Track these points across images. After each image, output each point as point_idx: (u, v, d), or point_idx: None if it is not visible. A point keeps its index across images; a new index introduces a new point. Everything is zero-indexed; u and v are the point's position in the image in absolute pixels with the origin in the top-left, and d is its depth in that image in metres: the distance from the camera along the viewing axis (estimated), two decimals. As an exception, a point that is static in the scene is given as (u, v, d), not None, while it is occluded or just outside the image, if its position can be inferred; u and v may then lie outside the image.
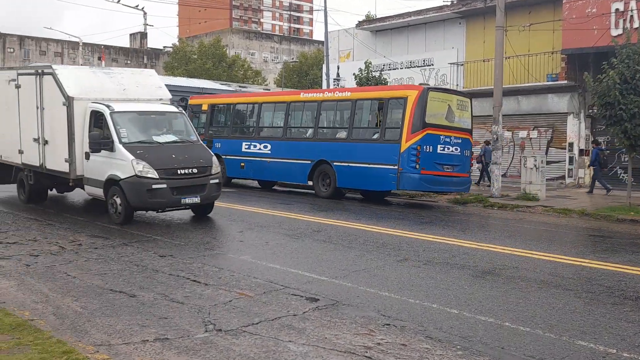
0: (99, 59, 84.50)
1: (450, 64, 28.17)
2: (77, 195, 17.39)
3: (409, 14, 30.16)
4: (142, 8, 44.36)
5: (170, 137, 13.10)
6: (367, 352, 5.44)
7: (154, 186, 11.90)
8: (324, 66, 34.09)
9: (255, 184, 22.97)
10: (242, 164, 21.20)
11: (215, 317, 6.37)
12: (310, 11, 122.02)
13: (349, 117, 18.45)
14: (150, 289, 7.49)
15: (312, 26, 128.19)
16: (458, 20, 28.44)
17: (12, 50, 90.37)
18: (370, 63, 27.63)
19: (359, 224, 13.03)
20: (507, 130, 25.64)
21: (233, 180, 23.08)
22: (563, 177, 24.93)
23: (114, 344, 5.52)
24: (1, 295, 7.12)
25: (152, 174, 11.93)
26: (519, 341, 5.79)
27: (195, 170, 12.46)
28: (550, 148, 25.44)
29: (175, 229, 11.99)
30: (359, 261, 9.30)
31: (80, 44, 48.67)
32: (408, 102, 16.79)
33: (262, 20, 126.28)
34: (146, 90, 14.40)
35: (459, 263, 9.25)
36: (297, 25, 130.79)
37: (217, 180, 12.88)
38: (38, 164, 14.21)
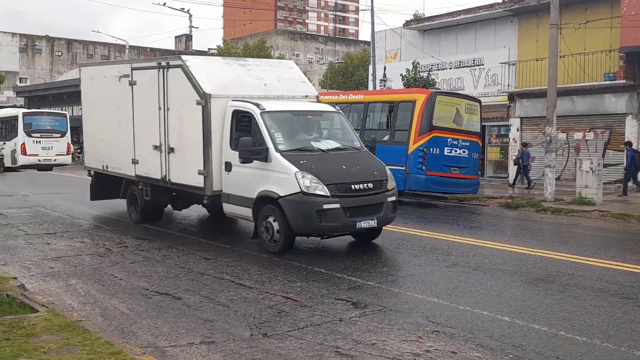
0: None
1: (502, 63, 27.75)
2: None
3: (458, 13, 29.84)
4: (188, 10, 45.22)
5: (333, 143, 10.78)
6: (415, 359, 5.40)
7: (325, 206, 9.48)
8: (370, 67, 34.03)
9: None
10: None
11: (261, 320, 6.42)
12: (356, 11, 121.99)
13: (362, 119, 19.11)
14: (195, 291, 7.59)
15: (358, 26, 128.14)
16: (510, 18, 28.00)
17: (60, 53, 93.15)
18: (418, 63, 27.46)
19: (406, 228, 12.94)
20: (562, 132, 25.09)
21: None
22: (620, 181, 24.25)
23: (161, 346, 5.62)
24: (50, 295, 7.34)
25: (322, 190, 9.53)
26: (575, 351, 5.65)
27: (370, 186, 10.04)
28: (607, 150, 24.79)
29: (219, 232, 12.13)
30: (407, 266, 9.24)
31: (127, 46, 49.78)
32: (416, 105, 17.51)
33: (307, 20, 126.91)
34: (289, 85, 12.03)
35: (510, 269, 9.10)
36: (342, 26, 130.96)
37: (393, 198, 10.46)
38: (159, 177, 11.94)
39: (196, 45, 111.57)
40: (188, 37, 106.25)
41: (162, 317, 6.54)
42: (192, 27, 47.60)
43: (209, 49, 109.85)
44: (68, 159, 34.01)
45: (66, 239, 11.19)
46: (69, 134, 34.04)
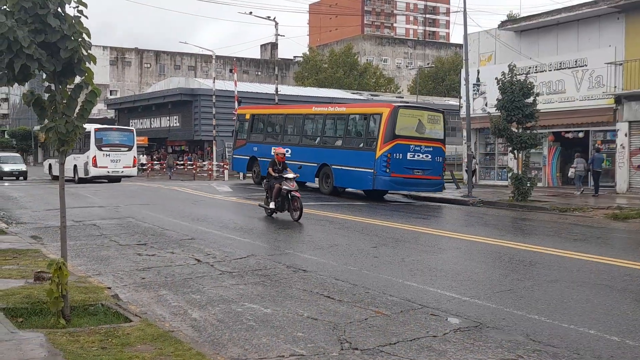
0: (231, 71, 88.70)
1: (607, 63, 26.66)
2: (209, 208, 18.35)
3: (558, 11, 28.95)
4: (274, 18, 45.97)
5: None
6: (515, 379, 5.28)
7: None
8: (463, 71, 33.53)
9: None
10: None
11: (351, 335, 6.46)
12: (447, 13, 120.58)
13: (343, 129, 24.02)
14: (283, 304, 7.74)
15: (448, 29, 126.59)
16: (616, 15, 26.89)
17: (148, 65, 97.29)
18: (515, 66, 26.73)
19: (502, 241, 12.67)
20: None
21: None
22: None
23: (250, 358, 5.77)
24: (142, 305, 7.68)
25: None
26: (695, 376, 5.36)
27: None
28: None
29: (307, 244, 12.29)
30: (505, 281, 9.05)
31: (214, 57, 51.31)
32: (382, 117, 21.74)
33: (395, 24, 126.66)
34: None
35: (619, 286, 8.72)
36: (432, 29, 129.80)
37: None
38: None
39: (282, 53, 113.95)
40: (273, 46, 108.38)
41: (252, 329, 6.70)
42: (278, 35, 48.41)
43: (294, 57, 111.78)
44: (134, 171, 38.05)
45: (156, 249, 11.66)
46: (135, 147, 38.10)
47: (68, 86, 6.88)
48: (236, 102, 41.78)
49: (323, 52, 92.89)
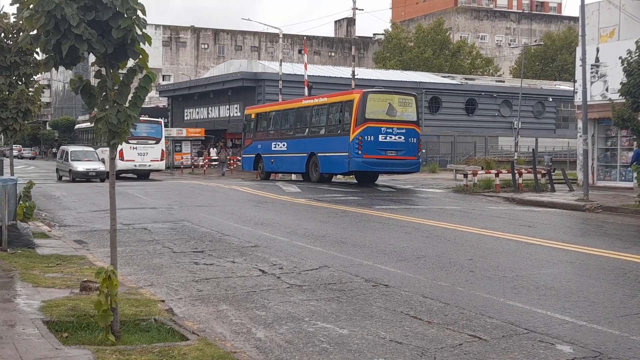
0: (300, 52, 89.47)
1: None
2: (274, 211, 18.59)
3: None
4: (351, -10, 46.10)
5: None
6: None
7: None
8: (578, 49, 32.63)
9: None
10: (272, 160, 33.47)
11: (442, 362, 6.43)
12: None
13: (325, 118, 29.99)
14: (362, 324, 7.77)
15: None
16: None
17: (206, 46, 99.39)
18: (643, 42, 25.86)
19: (626, 255, 12.29)
20: None
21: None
22: None
23: (324, 386, 5.83)
24: (200, 322, 7.87)
25: None
26: None
27: None
28: None
29: (390, 254, 12.29)
30: (630, 302, 8.79)
31: (280, 35, 51.84)
32: (354, 103, 27.16)
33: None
34: None
35: None
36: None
37: None
38: None
39: (359, 30, 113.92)
40: (350, 22, 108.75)
41: (325, 352, 6.77)
42: (356, 9, 48.46)
43: (374, 34, 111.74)
44: (162, 165, 41.72)
45: (215, 257, 11.91)
46: (163, 140, 41.37)
47: (120, 70, 7.12)
48: (306, 88, 42.06)
49: (408, 28, 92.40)
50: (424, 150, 52.16)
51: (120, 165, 37.04)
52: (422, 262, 11.59)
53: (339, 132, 28.28)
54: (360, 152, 26.56)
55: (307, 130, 31.09)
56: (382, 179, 36.31)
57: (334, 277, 10.33)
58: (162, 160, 41.93)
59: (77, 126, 64.82)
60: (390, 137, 26.96)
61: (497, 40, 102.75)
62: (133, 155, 39.06)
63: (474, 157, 49.79)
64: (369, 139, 26.56)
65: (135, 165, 39.35)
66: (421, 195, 25.02)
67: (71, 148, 39.79)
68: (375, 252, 12.56)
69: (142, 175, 41.10)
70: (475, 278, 10.28)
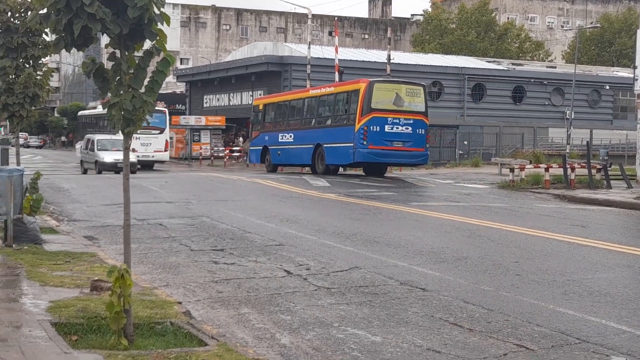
0: (331, 34, 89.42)
1: None
2: (300, 207, 18.63)
3: None
4: (386, -35, 45.98)
5: None
6: None
7: None
8: (639, 32, 32.28)
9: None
10: (279, 152, 34.78)
11: (484, 374, 6.42)
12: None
13: (332, 108, 31.65)
14: (396, 331, 7.77)
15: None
16: None
17: (227, 27, 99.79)
18: None
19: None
20: None
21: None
22: None
23: (354, 397, 5.84)
24: (220, 326, 7.92)
25: None
26: None
27: None
28: None
29: (427, 255, 12.26)
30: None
31: (309, 15, 51.94)
32: (360, 93, 28.36)
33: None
34: None
35: None
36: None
37: None
38: None
39: (396, 10, 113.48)
40: (386, 1, 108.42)
41: (356, 361, 6.78)
42: (392, -14, 48.45)
43: (412, 15, 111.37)
44: (166, 156, 43.48)
45: (236, 256, 11.97)
46: (167, 130, 43.15)
47: (135, 53, 7.17)
48: (337, 73, 42.09)
49: (450, 8, 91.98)
50: (465, 143, 52.02)
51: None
52: (463, 264, 11.55)
53: (344, 122, 29.82)
54: (365, 142, 27.90)
55: (313, 121, 32.79)
56: (419, 173, 36.27)
57: (366, 279, 10.33)
58: (166, 150, 43.73)
59: (80, 113, 65.25)
60: (397, 128, 28.25)
61: (548, 22, 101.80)
62: (136, 145, 39.14)
63: (522, 150, 49.48)
64: (374, 129, 27.89)
65: (137, 156, 39.14)
66: (462, 191, 24.90)
67: (97, 137, 38.50)
68: (411, 252, 12.55)
69: (146, 166, 41.73)
70: (521, 282, 10.23)
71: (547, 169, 27.20)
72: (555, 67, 71.00)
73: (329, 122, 31.59)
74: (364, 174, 32.18)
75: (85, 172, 37.55)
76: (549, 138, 59.07)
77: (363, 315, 8.42)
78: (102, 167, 34.86)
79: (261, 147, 36.90)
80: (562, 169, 27.25)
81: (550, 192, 24.93)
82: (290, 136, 33.97)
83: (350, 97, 29.59)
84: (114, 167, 33.53)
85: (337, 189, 24.04)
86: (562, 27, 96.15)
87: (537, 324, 8.05)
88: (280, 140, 34.89)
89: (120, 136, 35.02)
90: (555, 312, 8.56)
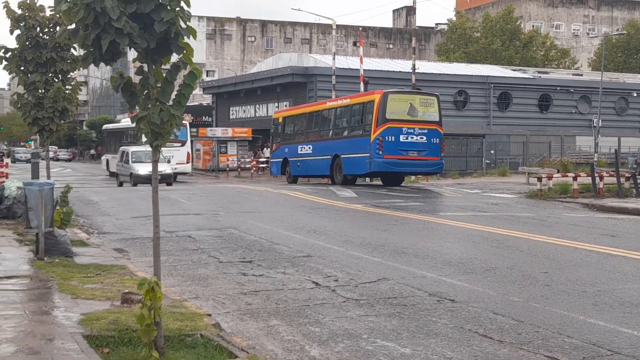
0: (355, 44, 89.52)
1: None
2: (328, 218, 18.62)
3: None
4: (410, -25, 45.92)
5: None
6: None
7: None
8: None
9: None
10: (298, 164, 35.65)
11: (516, 386, 6.36)
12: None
13: (348, 119, 32.55)
14: (426, 342, 7.73)
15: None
16: None
17: (252, 39, 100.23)
18: None
19: None
20: None
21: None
22: None
23: (385, 410, 5.81)
24: (250, 338, 7.93)
25: None
26: None
27: None
28: None
29: (455, 266, 12.20)
30: None
31: (334, 26, 51.96)
32: (375, 104, 29.24)
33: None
34: None
35: None
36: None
37: None
38: None
39: (420, 20, 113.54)
40: (410, 10, 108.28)
41: (386, 373, 6.75)
42: (417, -4, 48.39)
43: (436, 24, 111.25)
44: (188, 168, 44.06)
45: (264, 268, 11.99)
46: (188, 142, 43.47)
47: (162, 67, 7.22)
48: (362, 83, 42.11)
49: (474, 17, 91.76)
50: (492, 152, 51.75)
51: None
52: (492, 274, 11.48)
53: (360, 133, 30.59)
54: (381, 152, 28.71)
55: (331, 132, 33.95)
56: (446, 182, 36.16)
57: (395, 290, 10.30)
58: (187, 163, 44.34)
59: (104, 126, 65.56)
60: (412, 138, 29.03)
61: (573, 30, 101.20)
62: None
63: (549, 159, 49.14)
64: (389, 140, 28.68)
65: (175, 168, 40.09)
66: (490, 201, 24.77)
67: (132, 148, 37.92)
68: (439, 263, 12.49)
69: (166, 178, 41.57)
70: (551, 293, 10.14)
71: (575, 178, 26.97)
72: (581, 75, 70.49)
73: (345, 133, 32.48)
74: (382, 183, 32.61)
75: (121, 184, 37.42)
76: (577, 146, 58.59)
77: (392, 326, 8.39)
78: (137, 180, 34.38)
79: (281, 159, 37.75)
80: (590, 178, 27.01)
81: (578, 201, 24.74)
82: (309, 148, 34.78)
83: (366, 108, 30.42)
84: (149, 180, 33.05)
85: (364, 199, 24.02)
86: (588, 34, 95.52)
87: (568, 335, 7.97)
88: (299, 151, 35.71)
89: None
90: (586, 323, 8.48)
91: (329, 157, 32.34)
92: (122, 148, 40.90)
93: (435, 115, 29.98)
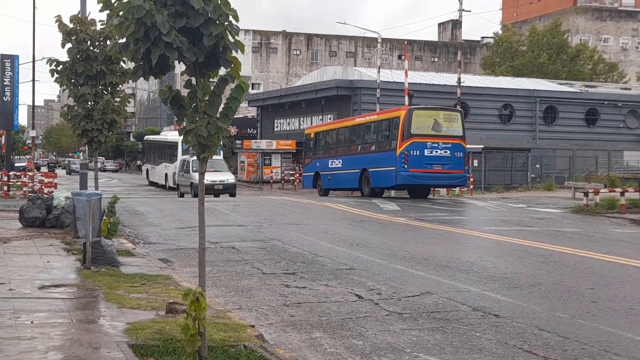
0: (400, 57, 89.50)
1: None
2: (371, 231, 18.61)
3: None
4: (457, -11, 45.94)
5: None
6: None
7: None
8: None
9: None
10: (329, 177, 37.05)
11: (561, 404, 6.29)
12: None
13: (376, 134, 33.80)
14: (469, 358, 7.69)
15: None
16: None
17: (298, 52, 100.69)
18: None
19: None
20: None
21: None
22: None
23: None
24: (293, 350, 7.96)
25: None
26: None
27: None
28: None
29: (500, 281, 12.10)
30: None
31: (379, 40, 52.02)
32: (400, 120, 30.49)
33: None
34: None
35: None
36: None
37: None
38: None
39: (466, 33, 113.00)
40: (455, 24, 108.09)
41: (429, 387, 6.72)
42: (462, 10, 48.35)
43: (482, 37, 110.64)
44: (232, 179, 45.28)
45: (307, 280, 12.02)
46: (221, 155, 44.05)
47: (210, 80, 7.31)
48: (406, 96, 42.02)
49: (521, 30, 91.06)
50: (537, 166, 51.21)
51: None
52: (537, 290, 11.36)
53: (387, 147, 31.84)
54: (406, 166, 29.98)
55: (359, 147, 34.95)
56: (491, 196, 35.89)
57: (438, 304, 10.26)
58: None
59: (145, 138, 65.82)
60: (436, 152, 30.30)
61: (622, 43, 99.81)
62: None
63: (596, 174, 48.48)
64: (414, 154, 29.95)
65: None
66: (535, 216, 24.52)
67: (194, 158, 38.16)
68: (483, 278, 12.40)
69: (208, 189, 43.12)
70: (598, 310, 10.01)
71: (622, 193, 26.58)
72: (630, 89, 69.48)
73: (373, 147, 33.60)
74: (408, 196, 34.13)
75: (182, 195, 37.12)
76: (624, 161, 57.64)
77: (435, 341, 8.35)
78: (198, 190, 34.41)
79: (313, 173, 39.25)
80: (638, 193, 26.60)
81: (626, 216, 24.38)
82: (339, 162, 36.19)
83: (392, 124, 31.67)
84: (211, 190, 32.65)
85: (407, 213, 23.95)
86: (637, 48, 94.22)
87: (615, 353, 7.86)
88: (330, 166, 37.18)
89: (217, 155, 36.40)
90: (634, 341, 8.36)
91: (358, 170, 33.55)
92: (182, 157, 40.94)
93: (458, 130, 31.11)
